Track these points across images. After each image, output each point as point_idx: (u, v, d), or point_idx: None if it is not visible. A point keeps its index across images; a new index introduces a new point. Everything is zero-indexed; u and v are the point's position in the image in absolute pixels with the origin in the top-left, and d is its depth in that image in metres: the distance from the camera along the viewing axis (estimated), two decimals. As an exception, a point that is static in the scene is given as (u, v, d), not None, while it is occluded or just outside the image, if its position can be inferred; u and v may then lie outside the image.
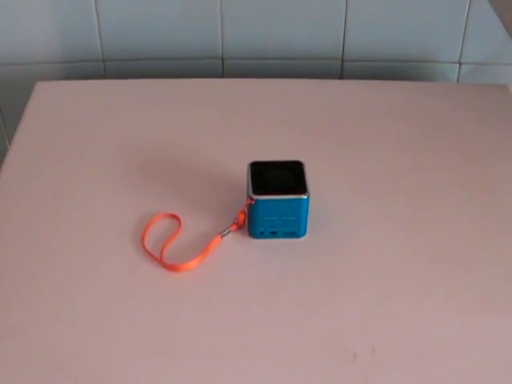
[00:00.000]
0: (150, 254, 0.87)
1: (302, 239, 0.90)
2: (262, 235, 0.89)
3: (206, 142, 1.06)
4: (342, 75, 1.29)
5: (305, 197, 0.86)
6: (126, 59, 1.27)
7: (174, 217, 0.92)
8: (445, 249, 0.89)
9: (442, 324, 0.80)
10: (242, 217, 0.90)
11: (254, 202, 0.86)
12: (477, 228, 0.92)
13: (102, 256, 0.88)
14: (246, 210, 0.89)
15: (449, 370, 0.75)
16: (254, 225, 0.89)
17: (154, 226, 0.91)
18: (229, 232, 0.90)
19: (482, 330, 0.80)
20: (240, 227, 0.91)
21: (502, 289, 0.84)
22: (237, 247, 0.89)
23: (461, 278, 0.86)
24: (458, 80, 1.30)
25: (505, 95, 1.18)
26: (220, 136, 1.08)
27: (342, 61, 1.27)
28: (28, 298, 0.83)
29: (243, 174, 0.89)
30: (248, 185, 0.88)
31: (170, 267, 0.86)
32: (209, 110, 1.13)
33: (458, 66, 1.28)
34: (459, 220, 0.94)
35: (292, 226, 0.89)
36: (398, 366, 0.76)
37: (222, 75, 1.29)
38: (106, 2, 1.21)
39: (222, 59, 1.27)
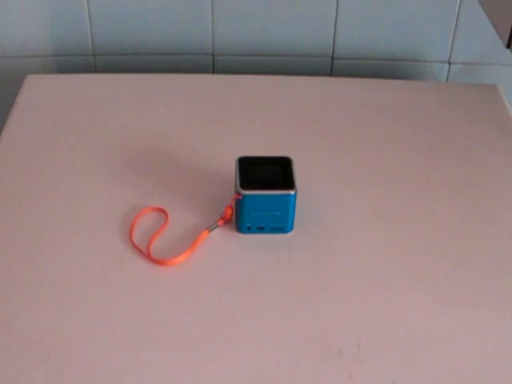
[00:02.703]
0: (138, 249, 0.87)
1: (289, 235, 0.90)
2: (249, 230, 0.90)
3: (195, 137, 1.06)
4: (331, 73, 1.29)
5: (292, 192, 0.86)
6: (117, 54, 1.27)
7: (161, 211, 0.93)
8: (433, 244, 0.90)
9: (429, 319, 0.81)
10: (229, 211, 0.90)
11: (241, 197, 0.86)
12: (465, 224, 0.93)
13: (89, 249, 0.88)
14: (233, 204, 0.89)
15: (436, 366, 0.75)
16: (242, 220, 0.89)
17: (141, 219, 0.91)
18: (216, 227, 0.90)
19: (469, 324, 0.80)
20: (227, 222, 0.91)
21: (489, 284, 0.85)
22: (224, 242, 0.89)
23: (448, 273, 0.86)
24: (447, 79, 1.30)
25: (494, 95, 1.18)
26: (209, 131, 1.08)
27: (332, 58, 1.27)
28: (16, 289, 0.82)
29: (231, 169, 0.90)
30: (236, 180, 0.88)
31: (158, 262, 0.86)
32: (199, 106, 1.13)
33: (447, 65, 1.28)
34: (448, 216, 0.94)
35: (279, 222, 0.89)
36: (384, 362, 0.76)
37: (213, 71, 1.29)
38: (97, -4, 1.21)
39: (213, 55, 1.27)
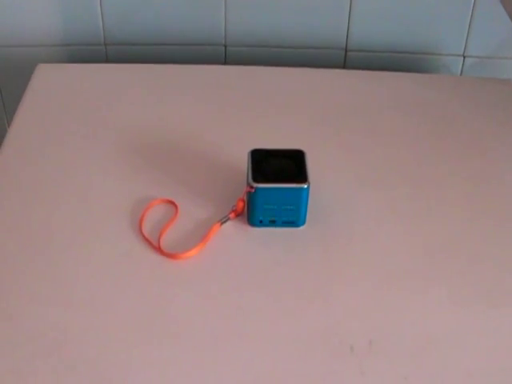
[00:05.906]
0: (149, 242, 0.86)
1: (301, 229, 0.89)
2: (261, 224, 0.89)
3: (207, 129, 1.05)
4: (344, 65, 1.28)
5: (305, 186, 0.86)
6: (128, 44, 1.26)
7: (171, 203, 0.92)
8: (445, 241, 0.89)
9: (441, 316, 0.80)
10: (241, 204, 0.89)
11: (253, 190, 0.85)
12: (478, 221, 0.92)
13: (99, 241, 0.87)
14: (245, 197, 0.89)
15: (447, 363, 0.75)
16: (254, 213, 0.88)
17: (150, 211, 0.91)
18: (228, 219, 0.89)
19: (481, 322, 0.79)
20: (239, 215, 0.90)
21: (502, 282, 0.84)
22: (235, 235, 0.89)
23: (460, 271, 0.85)
24: (461, 73, 1.29)
25: (508, 89, 1.17)
26: (221, 123, 1.07)
27: (346, 51, 1.26)
28: (24, 281, 0.82)
29: (243, 162, 0.89)
30: (248, 172, 0.87)
31: (170, 255, 0.85)
32: (211, 97, 1.13)
33: (462, 59, 1.27)
34: (460, 212, 0.93)
35: (291, 215, 0.88)
36: (396, 359, 0.75)
37: (225, 62, 1.28)
38: (109, -14, 1.20)
39: (225, 46, 1.27)
